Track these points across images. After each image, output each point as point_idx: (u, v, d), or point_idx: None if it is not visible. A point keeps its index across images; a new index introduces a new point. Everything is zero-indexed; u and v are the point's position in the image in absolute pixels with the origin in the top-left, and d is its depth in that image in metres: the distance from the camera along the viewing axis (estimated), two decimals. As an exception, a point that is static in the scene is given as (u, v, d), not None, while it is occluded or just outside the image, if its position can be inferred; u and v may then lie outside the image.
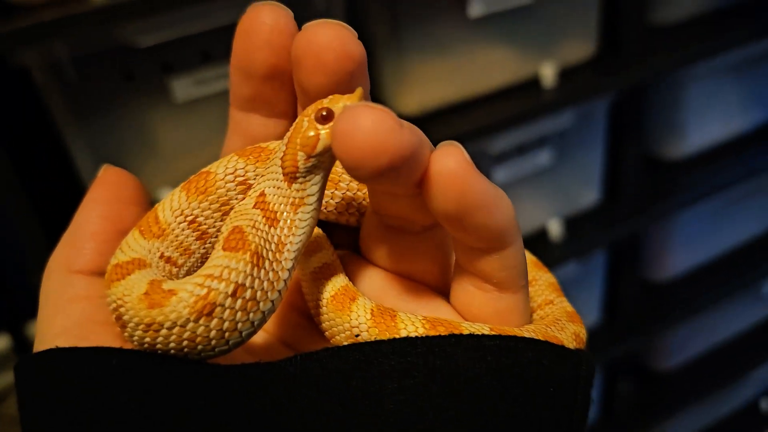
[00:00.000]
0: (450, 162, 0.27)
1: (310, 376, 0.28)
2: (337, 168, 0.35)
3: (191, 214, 0.33)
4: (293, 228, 0.31)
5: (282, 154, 0.31)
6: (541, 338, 0.31)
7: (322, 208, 0.35)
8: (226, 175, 0.33)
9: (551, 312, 0.39)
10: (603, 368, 1.55)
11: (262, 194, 0.31)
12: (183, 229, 0.33)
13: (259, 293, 0.29)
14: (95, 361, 0.29)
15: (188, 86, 0.90)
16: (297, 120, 0.31)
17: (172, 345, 0.28)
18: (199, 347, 0.28)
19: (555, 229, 1.24)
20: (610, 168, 1.31)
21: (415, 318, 0.31)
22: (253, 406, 0.28)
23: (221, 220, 0.33)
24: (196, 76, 0.90)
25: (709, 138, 1.38)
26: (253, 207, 0.31)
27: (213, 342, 0.28)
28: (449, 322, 0.31)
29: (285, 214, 0.31)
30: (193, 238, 0.33)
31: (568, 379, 0.31)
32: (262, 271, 0.29)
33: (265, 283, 0.29)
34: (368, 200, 0.35)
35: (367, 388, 0.28)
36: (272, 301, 0.29)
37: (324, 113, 0.29)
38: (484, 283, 0.31)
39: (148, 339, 0.28)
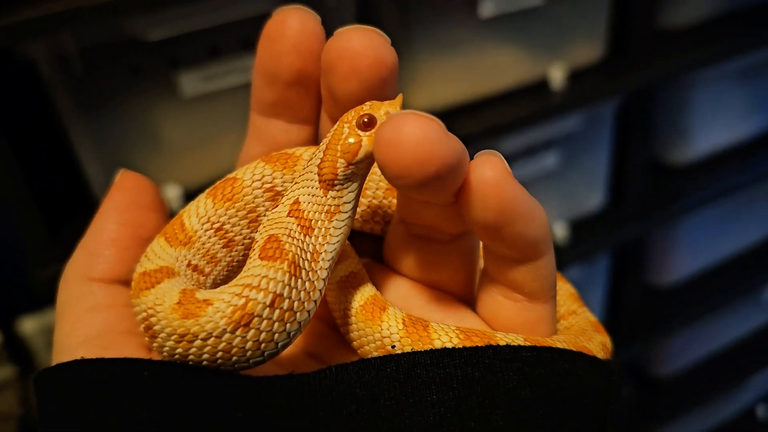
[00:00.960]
0: (491, 171, 0.27)
1: (347, 388, 0.28)
2: None
3: (218, 221, 0.32)
4: (328, 237, 0.30)
5: (319, 161, 0.30)
6: (573, 348, 0.31)
7: None
8: (253, 182, 0.33)
9: (576, 322, 0.39)
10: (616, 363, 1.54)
11: (297, 202, 0.30)
12: (210, 237, 0.32)
13: (296, 303, 0.28)
14: (126, 372, 0.28)
15: (196, 81, 0.89)
16: (336, 126, 0.30)
17: (205, 356, 0.27)
18: (234, 359, 0.28)
19: (560, 231, 1.23)
20: (615, 171, 1.30)
21: (449, 328, 0.31)
22: (290, 420, 0.27)
23: (248, 228, 0.33)
24: (204, 71, 0.89)
25: (714, 143, 1.38)
26: (287, 215, 0.30)
27: (248, 353, 0.28)
28: (483, 333, 0.30)
29: (320, 222, 0.30)
30: (220, 245, 0.33)
31: (601, 389, 0.30)
32: (299, 280, 0.29)
33: (302, 293, 0.29)
34: (393, 208, 0.35)
35: (407, 399, 0.27)
36: (308, 311, 0.29)
37: (366, 119, 0.29)
38: (514, 293, 0.31)
39: (180, 350, 0.28)
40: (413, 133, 0.25)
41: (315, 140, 0.37)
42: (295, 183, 0.31)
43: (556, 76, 1.09)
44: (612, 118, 1.23)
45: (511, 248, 0.29)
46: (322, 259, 0.30)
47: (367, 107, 0.29)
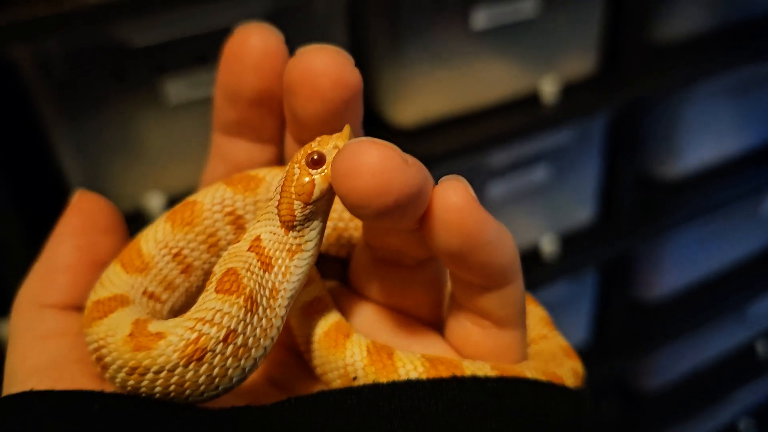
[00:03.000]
0: (455, 198, 0.26)
1: (305, 421, 0.27)
2: None
3: (176, 247, 0.31)
4: (288, 274, 0.29)
5: (276, 203, 0.29)
6: (542, 376, 0.30)
7: None
8: (213, 206, 0.32)
9: (546, 347, 0.38)
10: (589, 387, 1.54)
11: (258, 239, 0.29)
12: (167, 263, 0.31)
13: (251, 340, 0.27)
14: (76, 405, 0.26)
15: (181, 88, 0.88)
16: (288, 167, 0.29)
17: (158, 390, 0.27)
18: (187, 392, 0.27)
19: (548, 245, 1.23)
20: (605, 186, 1.30)
21: (414, 356, 0.30)
22: None
23: (207, 253, 0.32)
24: (190, 78, 0.88)
25: (704, 159, 1.38)
26: (248, 250, 0.29)
27: (202, 387, 0.27)
28: (449, 361, 0.29)
29: (281, 260, 0.29)
30: (178, 271, 0.32)
31: (571, 420, 0.30)
32: (255, 317, 0.28)
33: (258, 330, 0.28)
34: (359, 232, 0.34)
35: None
36: (264, 347, 0.28)
37: (315, 157, 0.28)
38: (482, 319, 0.30)
39: (132, 382, 0.27)
40: (370, 163, 0.24)
41: (279, 160, 0.36)
42: (257, 219, 0.30)
43: (548, 89, 1.08)
44: (602, 133, 1.23)
45: (477, 276, 0.28)
46: (281, 296, 0.29)
47: (315, 144, 0.28)
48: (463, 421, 0.27)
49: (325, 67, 0.29)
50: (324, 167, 0.28)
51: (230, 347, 0.27)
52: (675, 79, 1.19)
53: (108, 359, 0.27)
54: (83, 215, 0.33)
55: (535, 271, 1.21)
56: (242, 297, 0.28)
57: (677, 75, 1.18)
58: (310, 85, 0.29)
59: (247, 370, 0.28)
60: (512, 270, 0.29)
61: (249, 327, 0.27)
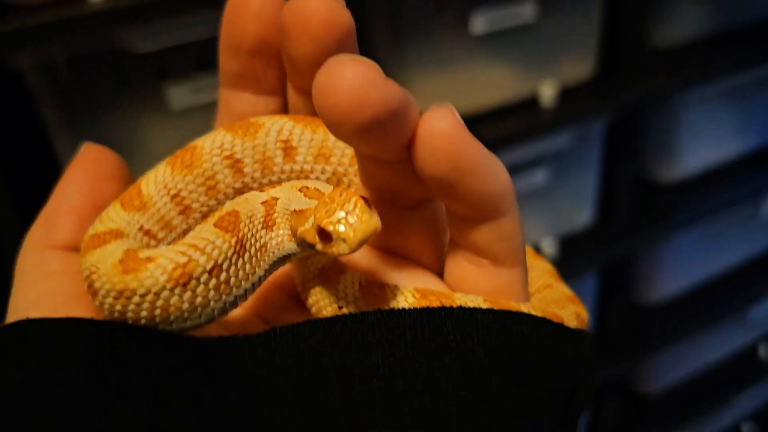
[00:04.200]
0: (442, 123, 0.26)
1: (288, 349, 0.27)
2: (328, 142, 0.34)
3: (175, 188, 0.32)
4: (281, 244, 0.30)
5: (310, 224, 0.29)
6: (540, 314, 0.30)
7: None
8: (213, 149, 0.33)
9: (550, 294, 0.38)
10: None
11: (275, 200, 0.30)
12: (165, 203, 0.32)
13: (233, 279, 0.28)
14: (64, 330, 0.27)
15: (184, 94, 0.89)
16: (335, 193, 0.29)
17: (143, 314, 0.27)
18: (172, 318, 0.28)
19: (548, 248, 1.23)
20: (604, 189, 1.30)
21: (405, 289, 0.30)
22: (227, 380, 0.26)
23: (206, 195, 0.33)
24: (192, 83, 0.88)
25: (702, 162, 1.39)
26: (261, 203, 0.30)
27: (185, 315, 0.28)
28: (441, 293, 0.29)
29: (281, 230, 0.30)
30: (176, 212, 0.32)
31: (569, 359, 0.29)
32: (240, 260, 0.29)
33: (240, 273, 0.29)
34: (357, 176, 0.34)
35: (349, 362, 0.26)
36: (245, 290, 0.29)
37: (322, 234, 0.28)
38: (479, 257, 0.30)
39: (119, 307, 0.27)
40: (346, 77, 0.24)
41: (282, 112, 0.36)
42: (290, 183, 0.31)
43: (546, 93, 1.09)
44: (601, 136, 1.24)
45: (468, 207, 0.28)
46: (267, 256, 0.30)
47: (328, 217, 0.28)
48: (450, 351, 0.27)
49: (315, 8, 0.29)
50: (331, 244, 0.28)
51: (213, 280, 0.28)
52: (673, 83, 1.19)
53: (97, 284, 0.28)
54: (89, 164, 0.34)
55: (536, 273, 1.21)
56: (235, 238, 0.29)
57: (675, 79, 1.19)
58: (301, 26, 0.29)
59: (227, 305, 0.29)
60: (505, 200, 0.28)
61: (233, 267, 0.28)
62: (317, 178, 0.34)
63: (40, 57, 0.81)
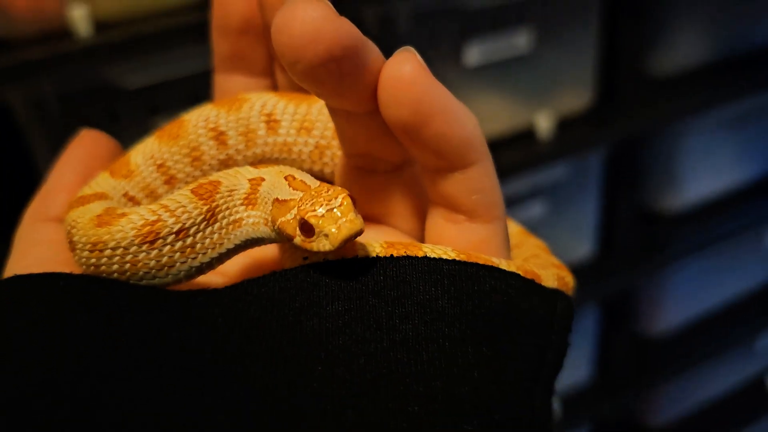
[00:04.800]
0: (404, 67, 0.26)
1: (252, 298, 0.27)
2: (310, 115, 0.35)
3: (161, 158, 0.34)
4: (257, 225, 0.30)
5: (292, 216, 0.29)
6: (515, 269, 0.29)
7: (296, 156, 0.36)
8: (198, 122, 0.35)
9: (535, 260, 0.37)
10: (593, 424, 1.51)
11: (261, 180, 0.31)
12: (151, 172, 0.34)
13: (198, 246, 0.29)
14: (43, 284, 0.28)
15: (175, 129, 0.88)
16: (321, 189, 0.29)
17: (115, 267, 0.28)
18: (140, 274, 0.29)
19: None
20: (604, 220, 1.29)
21: (374, 242, 0.29)
22: (190, 330, 0.27)
23: (191, 166, 0.34)
24: (183, 118, 0.88)
25: (704, 192, 1.37)
26: (248, 179, 0.31)
27: (153, 272, 0.29)
28: (408, 243, 0.29)
29: (260, 212, 0.30)
30: (161, 181, 0.34)
31: (540, 316, 0.29)
32: (209, 229, 0.29)
33: (207, 241, 0.29)
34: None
35: (310, 309, 0.26)
36: (211, 258, 0.30)
37: (305, 227, 0.28)
38: (454, 213, 0.30)
39: (93, 260, 0.29)
40: (300, 15, 0.25)
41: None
42: (274, 168, 0.31)
43: (543, 124, 1.08)
44: (600, 166, 1.22)
45: (435, 154, 0.28)
46: (239, 232, 0.30)
47: (324, 205, 0.28)
48: (410, 297, 0.26)
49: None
50: (312, 239, 0.28)
51: (179, 243, 0.29)
52: (672, 112, 1.19)
53: (75, 237, 0.29)
54: (85, 146, 0.36)
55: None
56: (207, 207, 0.29)
57: (674, 108, 1.18)
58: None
59: (193, 269, 0.29)
60: (473, 147, 0.28)
61: (200, 234, 0.29)
62: (300, 151, 0.35)
63: (29, 92, 0.81)
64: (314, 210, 0.27)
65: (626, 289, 1.38)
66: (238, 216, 0.30)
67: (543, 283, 0.30)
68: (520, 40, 1.03)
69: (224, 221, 0.30)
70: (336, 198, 0.28)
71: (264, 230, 0.30)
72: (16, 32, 0.77)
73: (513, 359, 0.27)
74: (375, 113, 0.28)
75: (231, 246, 0.30)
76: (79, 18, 0.76)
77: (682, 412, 1.64)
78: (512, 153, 1.06)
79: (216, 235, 0.30)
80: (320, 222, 0.27)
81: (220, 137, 0.34)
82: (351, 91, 0.27)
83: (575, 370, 1.42)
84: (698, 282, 1.47)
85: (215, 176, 0.31)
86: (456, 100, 0.28)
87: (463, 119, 0.28)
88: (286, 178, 0.30)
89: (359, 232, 0.27)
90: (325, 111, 0.34)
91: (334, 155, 0.35)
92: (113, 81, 0.82)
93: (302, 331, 0.26)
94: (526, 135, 1.09)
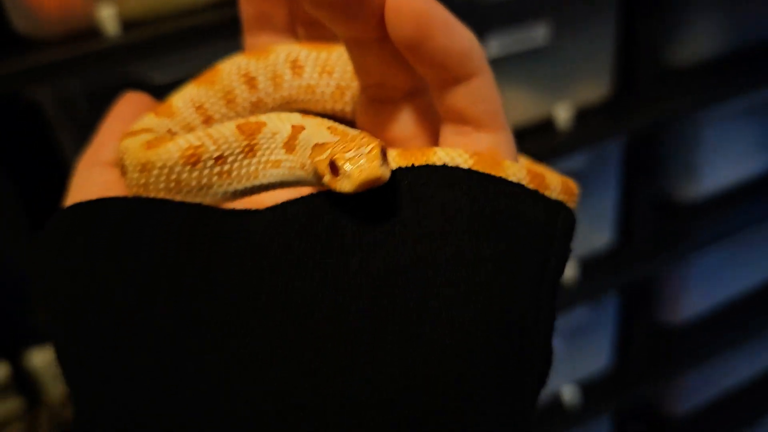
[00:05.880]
0: None
1: (288, 218, 0.30)
2: (330, 59, 0.38)
3: (199, 101, 0.38)
4: (295, 168, 0.33)
5: (325, 156, 0.31)
6: (524, 169, 0.32)
7: (319, 97, 0.39)
8: (231, 69, 0.38)
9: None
10: (614, 413, 1.52)
11: (301, 128, 0.33)
12: (191, 113, 0.37)
13: (234, 173, 0.32)
14: (93, 209, 0.31)
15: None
16: (356, 136, 0.31)
17: (161, 186, 0.31)
18: (184, 192, 0.32)
19: (568, 271, 1.22)
20: (623, 210, 1.29)
21: (390, 153, 0.32)
22: (225, 248, 0.29)
23: (226, 108, 0.38)
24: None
25: (723, 181, 1.37)
26: (292, 125, 0.33)
27: (194, 191, 0.32)
28: (419, 149, 0.32)
29: (299, 155, 0.33)
30: (199, 121, 0.37)
31: (543, 222, 0.31)
32: (246, 161, 0.32)
33: (243, 171, 0.32)
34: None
35: (342, 218, 0.30)
36: (245, 188, 0.33)
37: (333, 167, 0.31)
38: (462, 125, 0.32)
39: (143, 180, 0.32)
40: None
41: None
42: (317, 120, 0.33)
43: (562, 115, 1.09)
44: (619, 157, 1.23)
45: (439, 67, 0.30)
46: (275, 173, 0.33)
47: (340, 155, 0.31)
48: (431, 199, 0.29)
49: None
50: (337, 179, 0.30)
51: (217, 168, 0.32)
52: (691, 102, 1.19)
53: (126, 162, 0.32)
54: (131, 105, 0.38)
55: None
56: (248, 141, 0.32)
57: (693, 98, 1.18)
58: None
59: (228, 193, 0.32)
60: (474, 59, 0.31)
61: (237, 164, 0.32)
62: (322, 92, 0.39)
63: (58, 91, 0.82)
64: (344, 153, 0.30)
65: (646, 278, 1.38)
66: (276, 158, 0.33)
67: (547, 182, 0.33)
68: (539, 33, 1.03)
69: (262, 158, 0.33)
70: (367, 146, 0.30)
71: (299, 174, 0.33)
72: (45, 32, 0.79)
73: (521, 259, 0.29)
74: (385, 41, 0.30)
75: (265, 182, 0.33)
76: (108, 17, 0.78)
77: (704, 400, 1.64)
78: (531, 143, 1.07)
79: (252, 168, 0.33)
80: (345, 164, 0.29)
81: (251, 82, 0.38)
82: (360, 16, 0.30)
83: (595, 359, 1.42)
84: (718, 271, 1.47)
85: (264, 117, 0.34)
86: (454, 18, 0.30)
87: (462, 32, 0.30)
88: (328, 128, 0.33)
89: (379, 179, 0.29)
90: (344, 56, 0.37)
91: (353, 95, 0.38)
92: (140, 78, 0.83)
93: (322, 246, 0.29)
94: (545, 126, 1.10)
